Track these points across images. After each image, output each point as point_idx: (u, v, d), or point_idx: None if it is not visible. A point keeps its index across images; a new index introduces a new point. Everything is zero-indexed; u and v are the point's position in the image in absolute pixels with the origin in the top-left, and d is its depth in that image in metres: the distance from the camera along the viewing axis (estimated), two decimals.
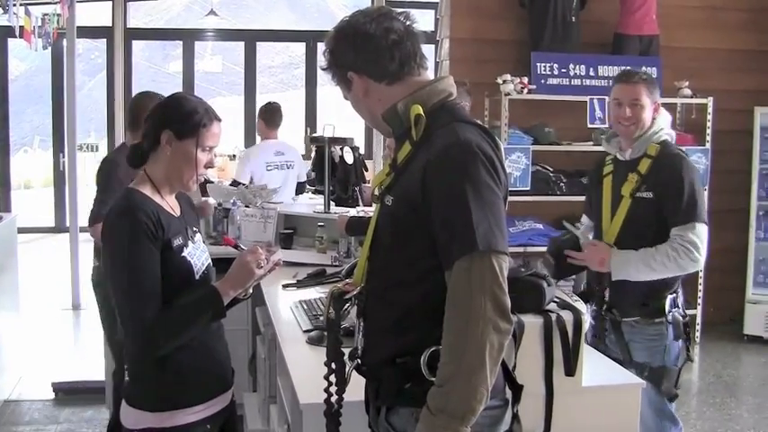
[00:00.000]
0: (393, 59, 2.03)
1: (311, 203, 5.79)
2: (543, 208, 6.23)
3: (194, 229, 2.65)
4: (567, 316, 2.68)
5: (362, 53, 2.03)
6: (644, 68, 6.24)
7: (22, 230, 6.09)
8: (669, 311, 3.35)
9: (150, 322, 2.31)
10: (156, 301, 2.34)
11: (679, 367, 3.40)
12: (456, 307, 1.84)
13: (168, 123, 2.47)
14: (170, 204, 2.53)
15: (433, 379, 1.89)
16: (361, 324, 2.13)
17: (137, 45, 12.22)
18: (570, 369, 2.67)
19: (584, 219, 3.78)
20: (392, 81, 2.05)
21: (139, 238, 2.33)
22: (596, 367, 2.90)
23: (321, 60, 2.14)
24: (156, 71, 21.06)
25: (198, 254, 2.55)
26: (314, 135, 6.05)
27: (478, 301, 1.81)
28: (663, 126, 3.47)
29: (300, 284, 4.07)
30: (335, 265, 4.44)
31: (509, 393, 2.12)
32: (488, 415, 2.00)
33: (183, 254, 2.46)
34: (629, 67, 4.50)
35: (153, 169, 2.51)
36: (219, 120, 2.55)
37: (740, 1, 6.95)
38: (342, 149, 5.19)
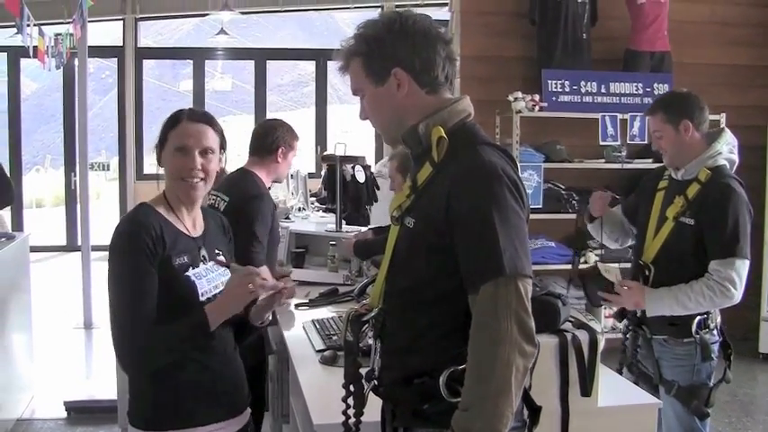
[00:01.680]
0: (443, 71, 2.05)
1: (323, 222, 5.78)
2: (555, 226, 6.20)
3: (216, 251, 2.53)
4: (583, 336, 2.65)
5: (420, 54, 2.02)
6: (656, 85, 6.31)
7: (33, 249, 6.08)
8: (696, 333, 3.28)
9: (136, 342, 2.25)
10: (144, 322, 2.26)
11: (710, 386, 3.32)
12: (483, 330, 1.83)
13: (159, 140, 2.44)
14: (187, 222, 2.46)
15: (453, 400, 1.88)
16: (378, 345, 2.12)
17: (147, 64, 12.27)
18: (586, 389, 2.64)
19: (619, 210, 3.77)
20: (432, 91, 2.05)
21: (135, 257, 2.27)
22: (612, 387, 2.87)
23: (358, 44, 2.06)
24: (167, 90, 21.12)
25: (211, 276, 2.43)
26: (325, 153, 6.02)
27: (505, 324, 1.80)
28: (721, 150, 3.34)
29: (313, 304, 4.05)
30: (348, 284, 4.43)
31: (526, 414, 2.10)
32: None
33: (187, 273, 2.36)
34: None
35: (166, 187, 2.47)
36: (197, 119, 2.43)
37: (752, 16, 6.93)
38: (353, 168, 5.18)
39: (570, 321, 2.73)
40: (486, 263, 1.85)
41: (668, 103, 3.42)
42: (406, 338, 2.02)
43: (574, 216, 6.01)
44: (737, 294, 3.20)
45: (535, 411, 2.10)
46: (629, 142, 6.16)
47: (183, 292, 2.35)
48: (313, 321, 3.56)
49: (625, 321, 3.54)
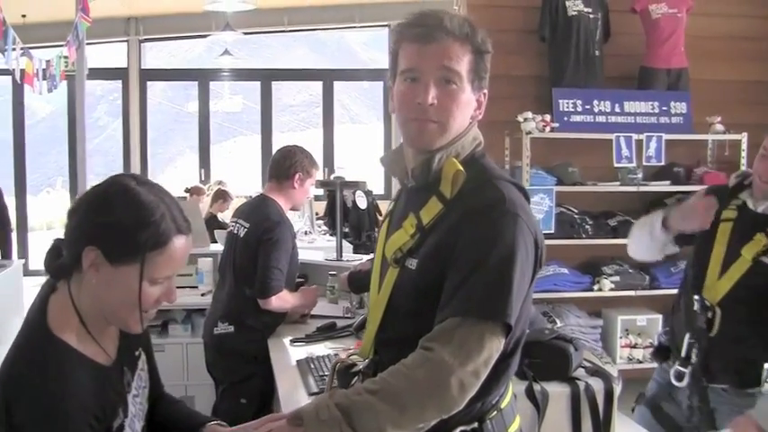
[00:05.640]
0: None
1: (328, 246, 5.53)
2: (568, 252, 5.94)
3: (135, 354, 1.91)
4: (597, 384, 2.42)
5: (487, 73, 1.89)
6: (672, 103, 6.06)
7: (39, 273, 5.96)
8: (765, 381, 2.81)
9: None
10: None
11: None
12: (422, 352, 1.68)
13: (94, 236, 1.65)
14: (106, 340, 1.77)
15: None
16: None
17: (158, 85, 12.18)
18: None
19: (654, 214, 3.19)
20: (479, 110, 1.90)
21: None
22: None
23: (480, 41, 1.85)
24: (179, 111, 21.07)
25: (137, 409, 1.86)
26: (322, 179, 5.81)
27: (449, 360, 1.64)
28: None
29: (309, 339, 3.83)
30: (347, 317, 4.21)
31: None
32: None
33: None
34: None
35: (79, 292, 1.71)
36: (187, 231, 1.74)
37: None
38: (354, 194, 4.95)
39: (584, 367, 2.50)
40: (468, 299, 1.67)
41: None
42: None
43: (587, 241, 5.84)
44: None
45: None
46: (645, 164, 5.90)
47: None
48: (307, 360, 3.32)
49: (676, 368, 2.96)
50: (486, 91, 1.89)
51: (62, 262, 1.72)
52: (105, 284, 1.66)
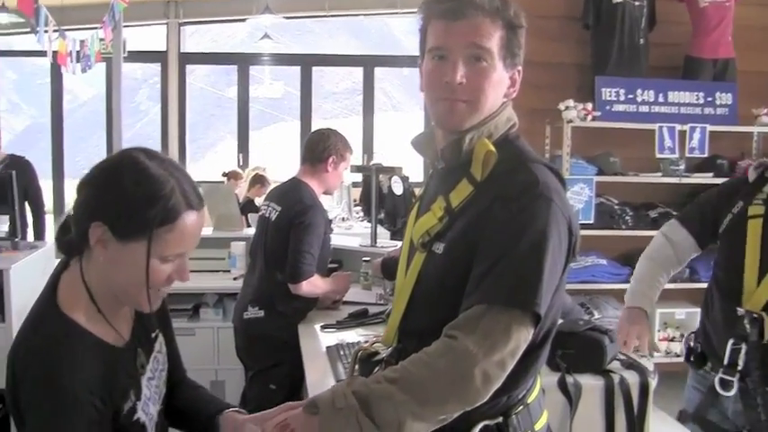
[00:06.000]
0: None
1: (365, 233, 5.43)
2: (607, 243, 5.83)
3: (152, 336, 1.84)
4: (632, 378, 2.34)
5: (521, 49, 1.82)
6: (718, 94, 5.91)
7: None
8: None
9: None
10: None
11: None
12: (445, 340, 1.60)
13: (101, 212, 1.58)
14: (115, 323, 1.70)
15: None
16: None
17: (199, 70, 12.18)
18: None
19: (673, 223, 3.12)
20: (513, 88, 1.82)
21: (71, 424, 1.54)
22: None
23: (513, 15, 1.77)
24: (219, 96, 21.17)
25: (152, 392, 1.78)
26: (358, 165, 5.74)
27: (474, 349, 1.56)
28: None
29: (340, 326, 3.78)
30: (381, 304, 4.14)
31: None
32: None
33: (134, 417, 1.70)
34: None
35: (89, 270, 1.65)
36: (199, 207, 1.65)
37: None
38: (390, 179, 4.88)
39: (618, 360, 2.42)
40: (495, 287, 1.59)
41: None
42: None
43: (627, 232, 5.71)
44: None
45: None
46: (687, 155, 5.77)
47: None
48: (337, 347, 3.26)
49: (721, 376, 2.77)
50: (520, 68, 1.81)
51: (70, 238, 1.65)
52: (113, 262, 1.59)
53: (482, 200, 1.68)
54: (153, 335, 1.85)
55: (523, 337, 1.59)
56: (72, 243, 1.65)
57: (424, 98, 1.80)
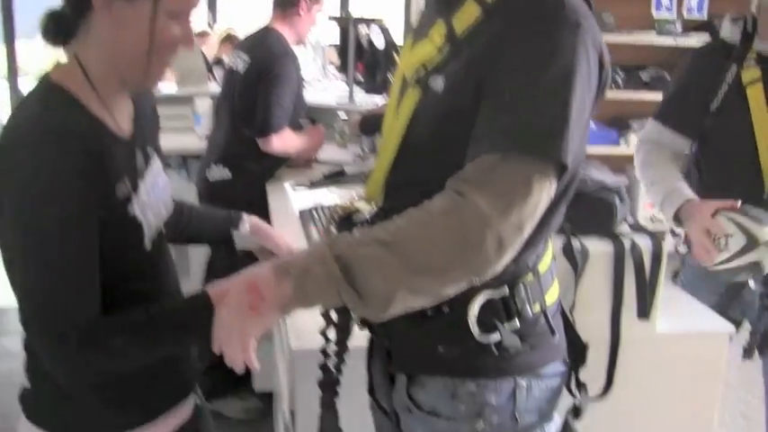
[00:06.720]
0: None
1: (340, 94, 5.06)
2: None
3: (147, 150, 1.66)
4: (644, 242, 2.09)
5: None
6: None
7: None
8: None
9: (79, 332, 1.39)
10: (90, 300, 1.42)
11: None
12: (446, 195, 1.28)
13: None
14: (115, 113, 1.54)
15: (484, 341, 1.41)
16: None
17: None
18: (644, 310, 2.11)
19: (652, 127, 2.69)
20: None
21: (67, 191, 1.39)
22: (675, 309, 2.32)
23: None
24: None
25: (151, 200, 1.59)
26: (335, 16, 5.35)
27: (486, 209, 1.22)
28: None
29: (313, 185, 3.51)
30: (359, 162, 3.88)
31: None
32: (547, 387, 1.48)
33: (128, 209, 1.50)
34: None
35: (86, 52, 1.49)
36: None
37: None
38: (369, 29, 4.49)
39: (629, 224, 2.16)
40: (511, 131, 1.26)
41: None
42: None
43: (617, 93, 5.43)
44: None
45: (581, 350, 1.58)
46: (685, 17, 5.52)
47: (127, 242, 1.53)
48: (311, 210, 2.97)
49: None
50: None
51: (63, 13, 1.49)
52: (117, 24, 1.44)
53: (493, 25, 1.33)
54: (148, 149, 1.68)
55: (546, 192, 1.27)
56: (66, 20, 1.49)
57: None
